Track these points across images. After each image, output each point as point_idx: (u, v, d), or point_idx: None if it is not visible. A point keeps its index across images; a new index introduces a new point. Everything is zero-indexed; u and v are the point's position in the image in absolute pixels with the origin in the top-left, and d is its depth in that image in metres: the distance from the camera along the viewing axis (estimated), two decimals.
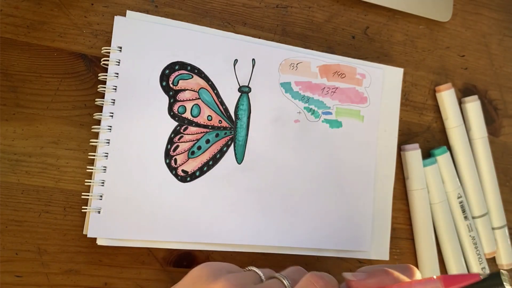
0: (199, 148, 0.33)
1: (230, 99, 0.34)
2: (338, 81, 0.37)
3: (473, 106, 0.41)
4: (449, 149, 0.41)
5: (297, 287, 0.24)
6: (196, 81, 0.33)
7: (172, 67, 0.33)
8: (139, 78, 0.32)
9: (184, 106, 0.33)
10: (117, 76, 0.32)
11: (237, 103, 0.34)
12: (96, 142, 0.31)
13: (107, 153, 0.31)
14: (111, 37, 0.32)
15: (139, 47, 0.32)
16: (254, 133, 0.35)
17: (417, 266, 0.40)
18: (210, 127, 0.34)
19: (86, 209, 0.31)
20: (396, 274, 0.25)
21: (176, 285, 0.25)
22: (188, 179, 0.33)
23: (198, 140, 0.33)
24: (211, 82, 0.34)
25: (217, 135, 0.34)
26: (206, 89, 0.34)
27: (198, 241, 0.33)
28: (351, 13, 0.39)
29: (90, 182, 0.31)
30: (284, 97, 0.36)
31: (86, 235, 0.30)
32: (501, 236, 0.42)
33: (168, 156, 0.32)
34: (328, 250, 0.36)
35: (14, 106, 0.31)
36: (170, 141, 0.33)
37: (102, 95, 0.32)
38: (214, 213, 0.33)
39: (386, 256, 0.38)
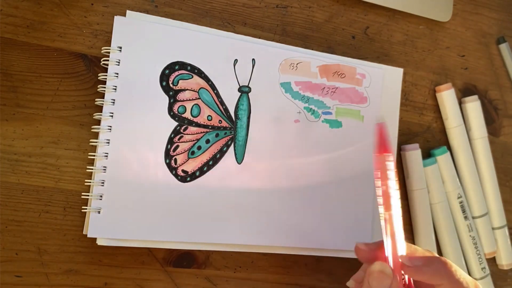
0: (199, 148, 0.33)
1: (230, 99, 0.34)
2: (338, 81, 0.37)
3: (473, 106, 0.41)
4: (449, 149, 0.41)
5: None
6: (196, 81, 0.33)
7: (172, 67, 0.33)
8: (139, 78, 0.32)
9: (184, 106, 0.33)
10: (117, 76, 0.32)
11: (237, 103, 0.34)
12: (96, 142, 0.31)
13: (107, 153, 0.31)
14: (111, 37, 0.32)
15: (139, 47, 0.32)
16: (254, 133, 0.35)
17: None
18: (210, 127, 0.34)
19: (86, 209, 0.31)
20: (453, 266, 0.25)
21: None
22: (188, 179, 0.33)
23: (198, 140, 0.33)
24: (211, 82, 0.34)
25: (217, 135, 0.34)
26: (206, 89, 0.34)
27: (198, 241, 0.33)
28: (351, 13, 0.39)
29: (90, 182, 0.31)
30: (284, 97, 0.36)
31: (86, 235, 0.30)
32: (501, 236, 0.42)
33: (168, 156, 0.32)
34: (328, 250, 0.36)
35: (14, 106, 0.31)
36: (170, 141, 0.33)
37: (102, 95, 0.32)
38: (214, 213, 0.33)
39: None
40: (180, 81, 0.33)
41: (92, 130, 0.32)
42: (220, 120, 0.34)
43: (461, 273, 0.25)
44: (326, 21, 0.39)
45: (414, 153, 0.39)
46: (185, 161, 0.33)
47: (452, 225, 0.40)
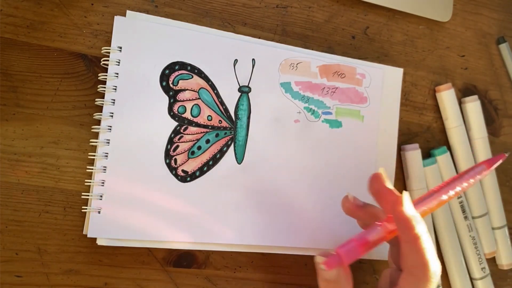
0: (199, 148, 0.33)
1: (230, 99, 0.34)
2: (338, 81, 0.37)
3: (473, 106, 0.41)
4: (449, 149, 0.41)
5: None
6: (196, 81, 0.34)
7: (172, 67, 0.33)
8: (139, 78, 0.32)
9: (184, 106, 0.33)
10: (117, 76, 0.32)
11: (237, 103, 0.34)
12: (96, 142, 0.31)
13: (107, 153, 0.31)
14: (111, 37, 0.32)
15: (139, 47, 0.32)
16: (254, 133, 0.35)
17: None
18: (210, 127, 0.34)
19: (86, 209, 0.31)
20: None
21: None
22: (188, 179, 0.33)
23: (198, 140, 0.33)
24: (211, 82, 0.34)
25: (217, 135, 0.34)
26: (206, 89, 0.34)
27: (198, 241, 0.33)
28: (351, 13, 0.39)
29: (90, 182, 0.31)
30: (284, 97, 0.36)
31: (86, 235, 0.30)
32: (501, 236, 0.42)
33: (168, 156, 0.32)
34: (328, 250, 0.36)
35: (14, 106, 0.31)
36: (170, 141, 0.33)
37: (102, 95, 0.32)
38: (214, 213, 0.33)
39: (386, 256, 0.38)
40: (180, 81, 0.33)
41: (92, 130, 0.32)
42: (220, 120, 0.34)
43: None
44: (326, 21, 0.39)
45: (414, 153, 0.39)
46: (185, 161, 0.33)
47: (452, 225, 0.40)
